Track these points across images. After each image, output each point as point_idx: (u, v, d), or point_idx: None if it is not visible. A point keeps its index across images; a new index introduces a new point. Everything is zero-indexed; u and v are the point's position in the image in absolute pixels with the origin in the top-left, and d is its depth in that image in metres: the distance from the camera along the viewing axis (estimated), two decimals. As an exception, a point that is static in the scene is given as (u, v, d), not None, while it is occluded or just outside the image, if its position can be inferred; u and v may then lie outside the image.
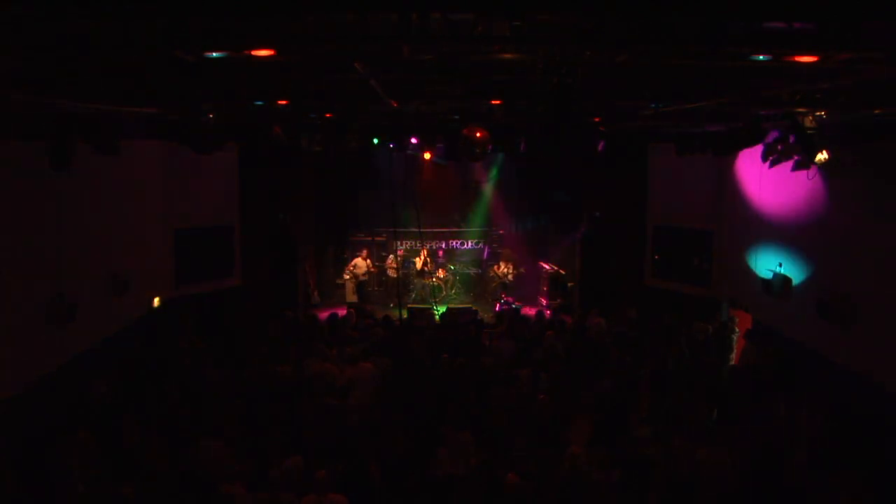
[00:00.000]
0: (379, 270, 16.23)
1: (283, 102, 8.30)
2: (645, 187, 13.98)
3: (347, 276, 15.58)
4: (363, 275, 15.57)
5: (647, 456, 6.87)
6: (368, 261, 15.78)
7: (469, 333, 11.12)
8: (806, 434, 7.55)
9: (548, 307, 14.53)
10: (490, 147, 9.40)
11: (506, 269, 15.73)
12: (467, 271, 16.87)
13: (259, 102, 8.39)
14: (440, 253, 16.40)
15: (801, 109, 7.33)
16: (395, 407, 8.05)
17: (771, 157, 9.38)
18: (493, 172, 16.73)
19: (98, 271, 9.30)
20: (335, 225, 16.65)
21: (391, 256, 15.96)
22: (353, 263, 15.62)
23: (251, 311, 12.47)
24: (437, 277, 15.95)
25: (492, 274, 16.14)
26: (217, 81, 6.58)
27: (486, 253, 16.81)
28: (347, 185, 16.28)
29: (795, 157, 9.04)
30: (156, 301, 11.18)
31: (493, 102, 8.26)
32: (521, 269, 15.92)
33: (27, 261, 7.60)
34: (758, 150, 9.66)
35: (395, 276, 15.69)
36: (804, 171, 9.01)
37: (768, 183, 10.45)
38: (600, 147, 10.79)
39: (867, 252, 8.08)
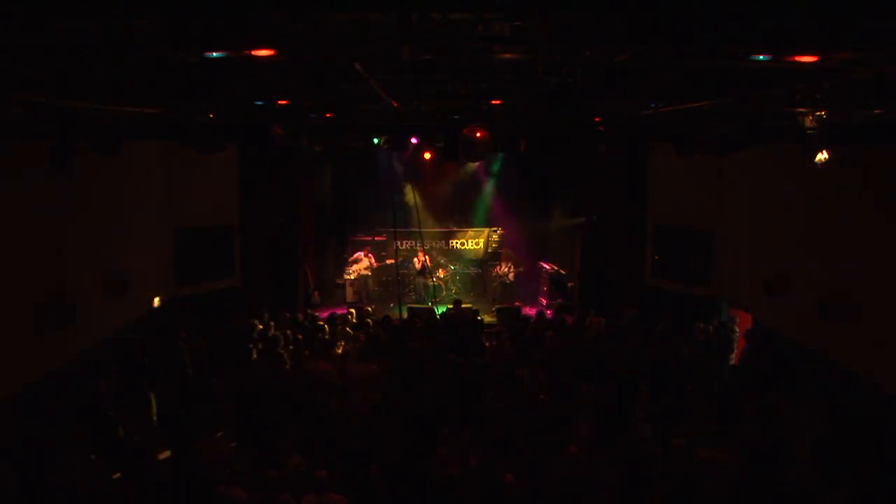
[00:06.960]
0: (380, 268, 16.21)
1: (284, 102, 8.30)
2: (645, 187, 13.97)
3: (352, 275, 15.55)
4: (365, 269, 15.55)
5: (647, 456, 6.87)
6: (371, 256, 15.74)
7: (469, 333, 11.11)
8: (806, 434, 7.55)
9: (548, 307, 14.51)
10: (491, 147, 9.36)
11: (506, 269, 15.74)
12: (467, 271, 16.85)
13: (259, 102, 8.39)
14: (423, 257, 16.10)
15: (801, 109, 7.33)
16: (396, 407, 8.04)
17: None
18: (496, 166, 16.63)
19: (98, 271, 9.30)
20: (335, 225, 16.63)
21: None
22: (355, 257, 15.60)
23: (251, 312, 12.47)
24: (437, 277, 15.94)
25: (493, 274, 16.15)
26: (217, 81, 6.58)
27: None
28: (347, 185, 16.26)
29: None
30: (156, 301, 11.17)
31: (493, 102, 8.26)
32: (520, 269, 15.92)
33: (27, 261, 7.60)
34: (758, 149, 9.66)
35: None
36: (804, 171, 9.00)
37: (768, 182, 10.44)
38: (601, 147, 10.79)
39: (867, 252, 8.07)
